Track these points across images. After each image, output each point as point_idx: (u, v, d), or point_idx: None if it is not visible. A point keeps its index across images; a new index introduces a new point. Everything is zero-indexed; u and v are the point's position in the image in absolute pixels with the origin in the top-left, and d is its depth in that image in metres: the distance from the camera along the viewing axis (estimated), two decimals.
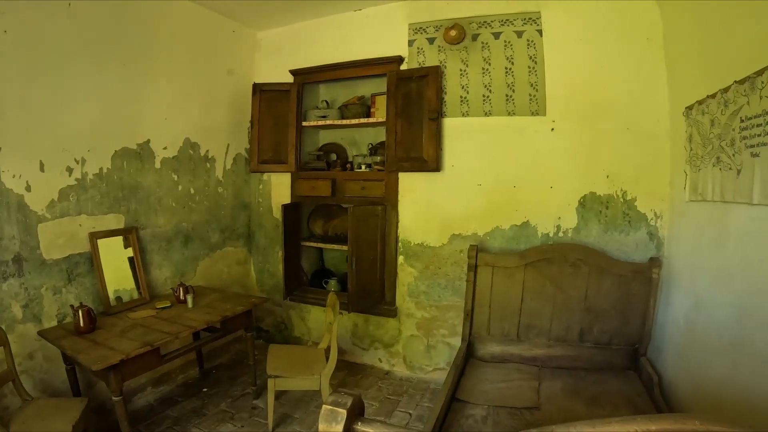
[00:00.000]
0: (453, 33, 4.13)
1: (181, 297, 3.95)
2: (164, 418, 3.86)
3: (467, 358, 3.96)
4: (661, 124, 3.66)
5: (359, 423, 1.22)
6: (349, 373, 4.71)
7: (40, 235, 3.40)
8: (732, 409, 2.48)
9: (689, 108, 3.17)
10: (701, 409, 2.87)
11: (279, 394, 4.12)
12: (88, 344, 3.07)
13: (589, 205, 3.96)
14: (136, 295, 3.96)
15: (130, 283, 3.96)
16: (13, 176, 3.23)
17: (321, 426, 1.19)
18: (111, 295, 3.78)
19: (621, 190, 3.87)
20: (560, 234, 4.06)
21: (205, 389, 4.34)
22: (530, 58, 4.03)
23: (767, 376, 2.21)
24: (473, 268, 4.02)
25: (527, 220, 4.15)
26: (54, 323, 3.48)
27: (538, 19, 3.99)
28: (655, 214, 3.78)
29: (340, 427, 1.16)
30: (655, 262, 3.61)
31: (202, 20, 4.56)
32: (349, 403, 1.19)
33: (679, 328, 3.30)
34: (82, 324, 3.22)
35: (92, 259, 3.70)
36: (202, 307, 3.89)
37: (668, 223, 3.72)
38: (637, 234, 3.84)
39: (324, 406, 1.20)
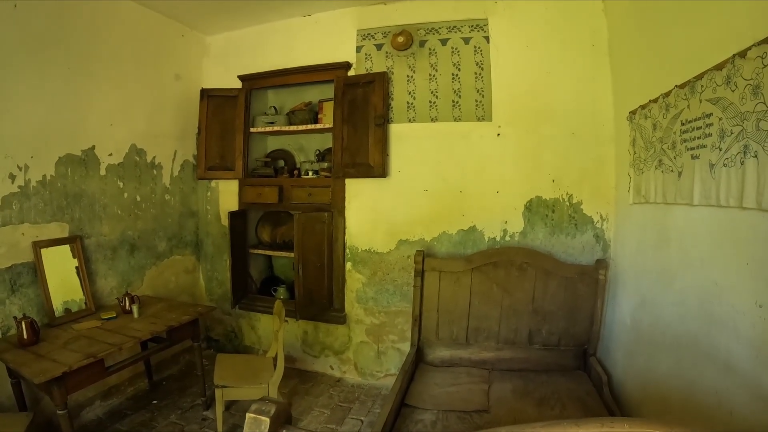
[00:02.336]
0: (400, 39, 4.12)
1: (127, 307, 3.82)
2: None
3: (417, 363, 3.96)
4: (605, 129, 3.75)
5: (284, 431, 1.21)
6: (300, 381, 4.64)
7: None
8: (678, 406, 2.54)
9: (632, 112, 3.26)
10: (649, 407, 2.94)
11: (229, 405, 4.04)
12: (31, 357, 2.96)
13: (535, 209, 4.00)
14: (84, 306, 3.83)
15: (77, 294, 3.82)
16: None
17: None
18: (59, 306, 3.66)
19: (567, 193, 3.93)
20: (507, 238, 4.08)
21: (154, 401, 4.21)
22: (477, 64, 4.05)
23: (709, 373, 2.25)
24: (420, 274, 4.02)
25: (474, 225, 4.16)
26: None
27: (485, 25, 4.03)
28: (601, 216, 3.85)
29: None
30: (601, 263, 3.68)
31: (149, 23, 4.44)
32: (272, 411, 1.18)
33: (626, 327, 3.38)
34: (25, 336, 3.10)
35: (36, 269, 3.56)
36: (148, 317, 3.77)
37: (614, 226, 3.80)
38: (584, 236, 3.91)
39: (248, 414, 1.19)
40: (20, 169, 3.48)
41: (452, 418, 3.13)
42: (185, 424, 3.84)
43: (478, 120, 4.08)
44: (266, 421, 1.16)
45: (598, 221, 3.85)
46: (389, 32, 4.22)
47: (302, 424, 3.90)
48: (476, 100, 4.07)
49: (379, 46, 4.31)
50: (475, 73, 4.05)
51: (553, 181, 3.93)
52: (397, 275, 4.40)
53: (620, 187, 3.59)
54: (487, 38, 4.01)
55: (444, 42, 4.12)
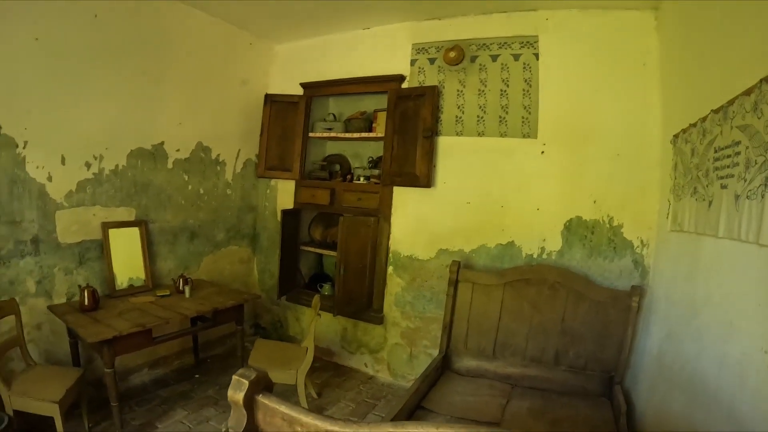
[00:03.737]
0: (452, 54, 4.00)
1: (180, 287, 3.98)
2: (155, 397, 3.90)
3: (443, 370, 3.81)
4: (651, 152, 3.43)
5: (260, 395, 1.36)
6: (335, 374, 4.59)
7: (57, 221, 3.54)
8: None
9: (676, 136, 2.95)
10: None
11: None
12: (89, 321, 3.21)
13: (574, 229, 3.74)
14: (143, 283, 4.02)
15: (138, 271, 4.02)
16: (37, 167, 3.38)
17: (229, 392, 1.34)
18: (124, 281, 3.89)
19: (607, 216, 3.63)
20: (544, 256, 3.85)
21: (197, 375, 4.33)
22: (525, 81, 3.85)
23: (715, 418, 2.00)
24: (454, 283, 3.89)
25: (512, 240, 3.95)
26: (63, 300, 3.60)
27: (535, 43, 3.81)
28: (642, 242, 3.53)
29: (242, 395, 1.32)
30: (635, 290, 3.36)
31: (219, 32, 4.57)
32: (252, 376, 1.34)
33: (652, 359, 3.06)
34: (86, 302, 3.36)
35: (102, 246, 3.79)
36: (197, 298, 3.90)
37: (654, 252, 3.45)
38: (622, 261, 3.59)
39: (233, 377, 1.34)
40: (95, 158, 3.73)
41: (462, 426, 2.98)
42: (220, 398, 3.91)
43: (524, 137, 3.87)
44: (246, 383, 1.32)
45: (638, 246, 3.53)
46: (442, 47, 4.09)
47: (327, 413, 3.83)
48: (523, 117, 3.86)
49: (432, 60, 4.19)
50: (523, 90, 3.84)
51: (595, 202, 3.65)
52: (435, 283, 4.25)
53: (662, 212, 3.25)
54: (536, 55, 3.79)
55: (494, 58, 3.94)
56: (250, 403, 1.36)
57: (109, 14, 3.61)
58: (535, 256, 3.87)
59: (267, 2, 4.07)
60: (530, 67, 3.82)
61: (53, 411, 2.79)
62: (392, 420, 2.78)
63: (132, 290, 3.90)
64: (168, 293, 3.91)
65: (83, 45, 3.49)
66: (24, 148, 3.26)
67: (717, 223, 2.12)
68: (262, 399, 1.36)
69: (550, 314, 3.62)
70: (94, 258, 3.77)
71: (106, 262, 3.77)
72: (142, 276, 4.01)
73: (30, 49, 3.19)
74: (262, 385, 1.38)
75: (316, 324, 3.84)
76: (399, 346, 4.48)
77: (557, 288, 3.61)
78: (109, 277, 3.78)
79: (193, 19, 4.26)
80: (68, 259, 3.62)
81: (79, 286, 3.48)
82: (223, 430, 1.37)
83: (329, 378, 4.50)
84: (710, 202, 2.24)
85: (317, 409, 3.89)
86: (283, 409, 1.33)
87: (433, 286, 4.28)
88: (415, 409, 3.17)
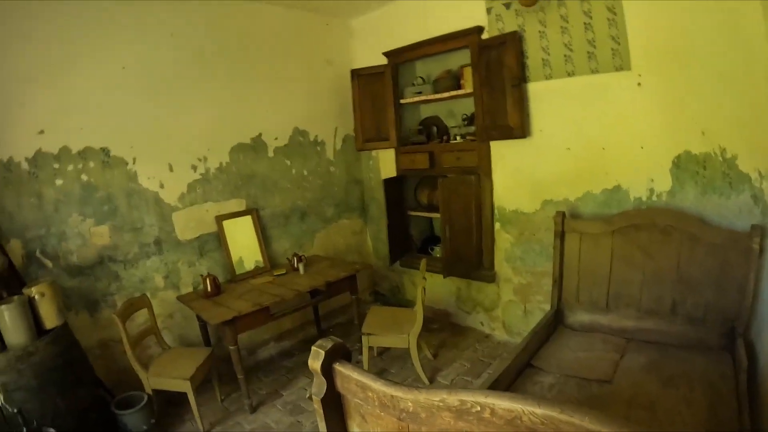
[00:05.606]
0: None
1: (295, 265, 4.31)
2: (280, 367, 4.32)
3: (556, 326, 3.73)
4: (759, 66, 2.86)
5: (337, 363, 1.50)
6: (451, 334, 4.71)
7: (174, 222, 4.02)
8: None
9: None
10: None
11: (381, 351, 4.35)
12: (212, 305, 3.64)
13: (683, 165, 3.35)
14: (261, 265, 4.41)
15: (256, 255, 4.44)
16: (149, 178, 3.85)
17: (309, 362, 1.50)
18: (242, 266, 4.30)
19: (719, 147, 3.16)
20: (654, 198, 3.52)
21: None
22: (609, 9, 3.47)
23: None
24: (560, 235, 3.73)
25: (618, 184, 3.67)
26: (190, 289, 4.10)
27: None
28: (760, 174, 2.97)
29: (319, 363, 1.47)
30: (756, 230, 2.91)
31: (296, 20, 4.77)
32: (329, 346, 1.48)
33: None
34: (209, 289, 3.78)
35: (219, 237, 4.22)
36: (311, 274, 4.21)
37: None
38: (740, 197, 3.11)
39: (312, 348, 1.50)
40: (200, 160, 4.14)
41: (571, 384, 2.93)
42: None
43: (616, 70, 3.51)
44: (322, 353, 1.46)
45: (756, 179, 2.99)
46: None
47: (443, 374, 4.02)
48: (612, 49, 3.51)
49: (507, 5, 3.94)
50: (608, 19, 3.47)
51: (703, 133, 3.21)
52: (543, 235, 4.12)
53: None
54: None
55: None
56: (328, 371, 1.51)
57: (184, 31, 3.95)
58: (644, 198, 3.57)
59: None
60: None
61: (185, 387, 3.24)
62: (497, 379, 2.82)
63: (251, 273, 4.31)
64: (284, 272, 4.27)
65: (166, 62, 3.88)
66: (134, 164, 3.74)
67: None
68: (338, 367, 1.50)
69: (664, 261, 3.32)
70: (213, 249, 4.23)
71: (224, 251, 4.21)
72: (260, 258, 4.42)
73: (120, 76, 3.63)
74: (339, 354, 1.52)
75: (426, 287, 3.92)
76: (513, 303, 4.44)
77: (669, 232, 3.30)
78: (229, 264, 4.21)
79: (268, 13, 4.50)
80: (189, 253, 4.10)
81: (201, 275, 3.92)
82: (308, 396, 1.55)
83: (446, 338, 4.63)
84: None
85: (433, 370, 4.05)
86: (356, 376, 1.45)
87: (541, 239, 4.15)
88: (524, 367, 3.17)
